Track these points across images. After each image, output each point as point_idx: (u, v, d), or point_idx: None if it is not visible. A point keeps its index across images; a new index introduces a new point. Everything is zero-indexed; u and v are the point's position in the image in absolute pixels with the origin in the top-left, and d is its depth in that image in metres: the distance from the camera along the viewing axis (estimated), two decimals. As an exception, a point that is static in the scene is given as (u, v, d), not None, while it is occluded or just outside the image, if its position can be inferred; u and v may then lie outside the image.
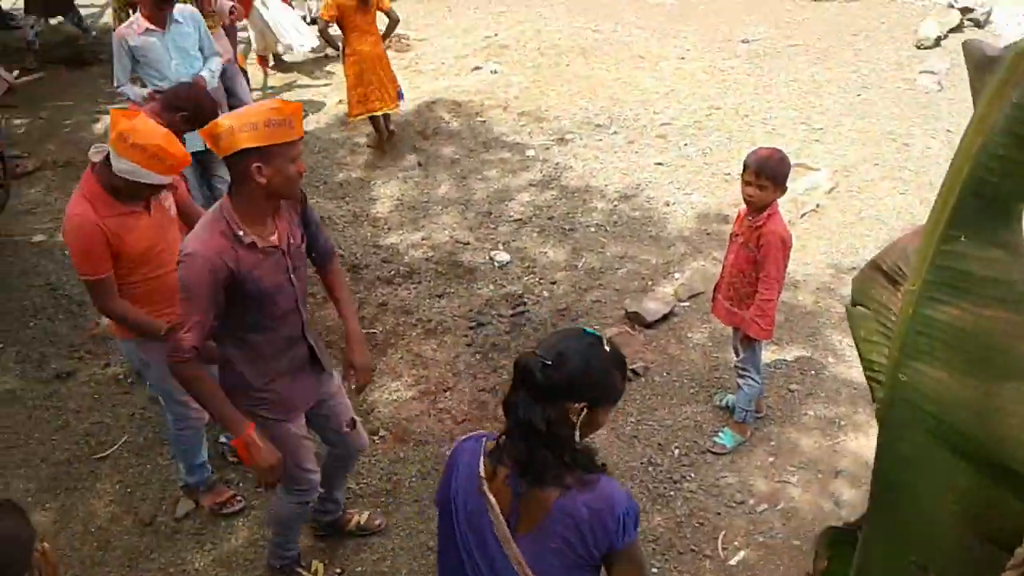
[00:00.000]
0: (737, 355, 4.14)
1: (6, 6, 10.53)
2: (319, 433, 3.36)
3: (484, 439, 2.05)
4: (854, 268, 5.24)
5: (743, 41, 9.24)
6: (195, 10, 5.40)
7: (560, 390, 1.86)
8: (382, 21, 6.92)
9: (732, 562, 3.64)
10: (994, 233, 1.31)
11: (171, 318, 3.21)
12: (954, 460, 1.39)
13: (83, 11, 10.37)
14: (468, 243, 5.94)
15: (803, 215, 6.02)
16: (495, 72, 8.60)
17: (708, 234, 5.90)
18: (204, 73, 5.05)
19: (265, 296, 2.76)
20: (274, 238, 2.77)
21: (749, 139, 6.95)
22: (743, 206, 3.86)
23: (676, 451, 4.18)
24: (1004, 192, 1.28)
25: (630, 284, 5.42)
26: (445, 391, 4.62)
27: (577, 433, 1.90)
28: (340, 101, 7.92)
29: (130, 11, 5.84)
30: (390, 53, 8.40)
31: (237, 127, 2.53)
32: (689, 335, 4.97)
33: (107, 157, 3.13)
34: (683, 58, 8.83)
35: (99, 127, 7.92)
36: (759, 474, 4.05)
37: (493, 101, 7.99)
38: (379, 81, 6.84)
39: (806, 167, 6.54)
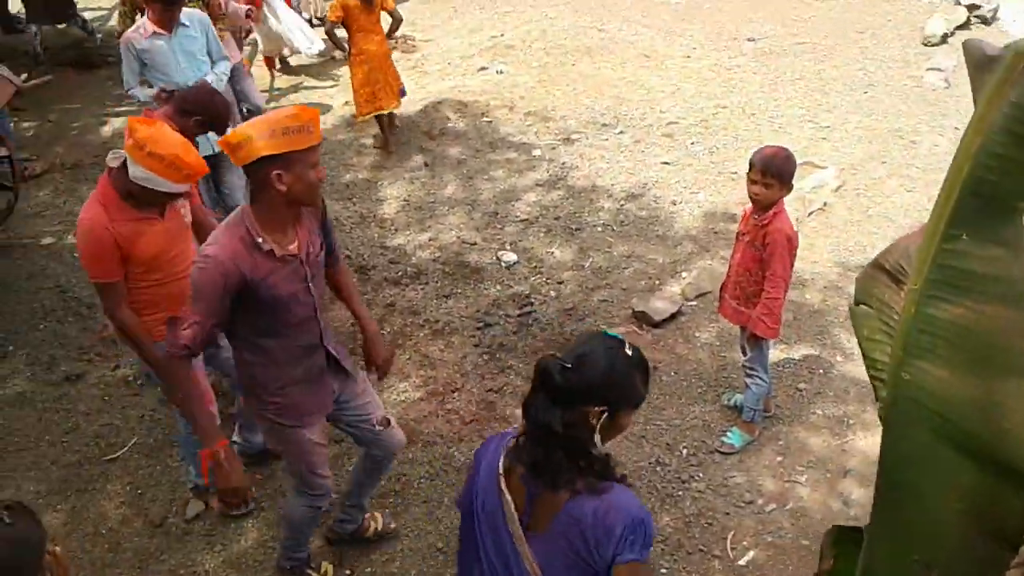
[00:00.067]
0: (744, 354, 4.14)
1: (13, 10, 10.58)
2: (352, 434, 3.32)
3: (508, 437, 2.06)
4: (861, 266, 5.19)
5: (749, 39, 9.23)
6: (203, 15, 5.41)
7: (579, 393, 1.86)
8: (386, 21, 7.00)
9: (741, 562, 3.64)
10: (994, 231, 1.31)
11: None
12: (958, 458, 1.39)
13: (89, 14, 10.42)
14: (475, 243, 5.95)
15: (810, 213, 6.01)
16: (501, 72, 8.60)
17: (715, 233, 5.90)
18: (210, 77, 5.06)
19: (280, 304, 2.76)
20: (293, 247, 2.77)
21: (756, 137, 6.94)
22: (749, 205, 3.86)
23: (684, 451, 4.19)
24: (1003, 191, 1.28)
25: (637, 283, 5.42)
26: (453, 392, 4.63)
27: (597, 437, 1.90)
28: (346, 103, 7.95)
29: (137, 15, 5.87)
30: (397, 54, 8.44)
31: (255, 135, 2.54)
32: (697, 334, 4.96)
33: (124, 163, 3.15)
34: (689, 57, 8.82)
35: (107, 130, 7.97)
36: (768, 474, 4.05)
37: (499, 101, 7.99)
38: (385, 79, 6.93)
39: (813, 165, 6.53)
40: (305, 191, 2.67)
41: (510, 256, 5.74)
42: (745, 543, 3.72)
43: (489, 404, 4.52)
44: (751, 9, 10.20)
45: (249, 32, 8.28)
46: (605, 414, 1.88)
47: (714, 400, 4.48)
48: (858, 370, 4.57)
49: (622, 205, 6.29)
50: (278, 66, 9.05)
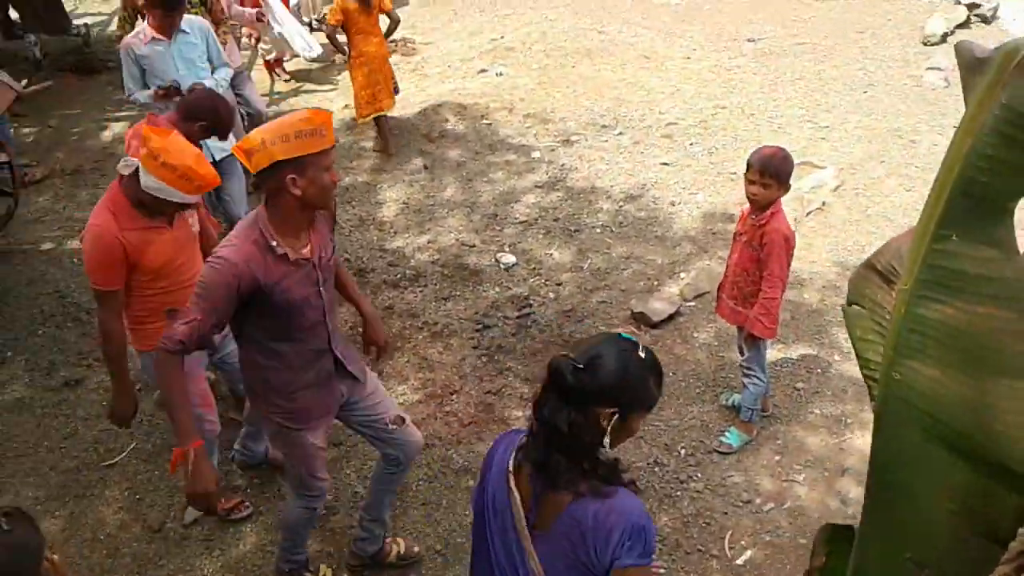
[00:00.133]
0: (742, 354, 4.14)
1: (13, 16, 10.60)
2: (365, 434, 3.28)
3: (520, 435, 2.06)
4: (860, 266, 5.23)
5: (749, 40, 9.23)
6: (204, 21, 5.41)
7: (591, 395, 1.86)
8: (384, 23, 7.04)
9: (739, 561, 3.64)
10: (985, 232, 1.32)
11: None
12: (949, 457, 1.40)
13: (90, 19, 10.43)
14: (474, 245, 5.95)
15: (809, 213, 6.01)
16: (500, 74, 8.60)
17: (714, 234, 5.90)
18: (209, 83, 5.05)
19: (292, 308, 2.77)
20: (306, 251, 2.78)
21: (755, 138, 6.93)
22: (747, 205, 3.86)
23: (682, 451, 4.19)
24: (994, 191, 1.29)
25: (636, 284, 5.42)
26: (452, 394, 4.63)
27: (608, 439, 1.89)
28: (346, 106, 7.96)
29: (138, 20, 5.87)
30: (396, 57, 8.46)
31: (269, 140, 2.55)
32: (695, 335, 4.96)
33: (135, 171, 3.16)
34: (689, 58, 8.82)
35: (107, 135, 7.98)
36: (765, 473, 4.05)
37: (499, 103, 8.00)
38: (384, 80, 7.01)
39: (812, 165, 6.52)
40: (319, 194, 2.68)
41: (509, 258, 5.74)
42: (743, 542, 3.72)
43: (488, 406, 4.52)
44: (751, 10, 10.20)
45: (259, 39, 8.35)
46: (616, 416, 1.87)
47: (712, 400, 4.48)
48: (856, 369, 4.52)
49: (621, 206, 6.29)
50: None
